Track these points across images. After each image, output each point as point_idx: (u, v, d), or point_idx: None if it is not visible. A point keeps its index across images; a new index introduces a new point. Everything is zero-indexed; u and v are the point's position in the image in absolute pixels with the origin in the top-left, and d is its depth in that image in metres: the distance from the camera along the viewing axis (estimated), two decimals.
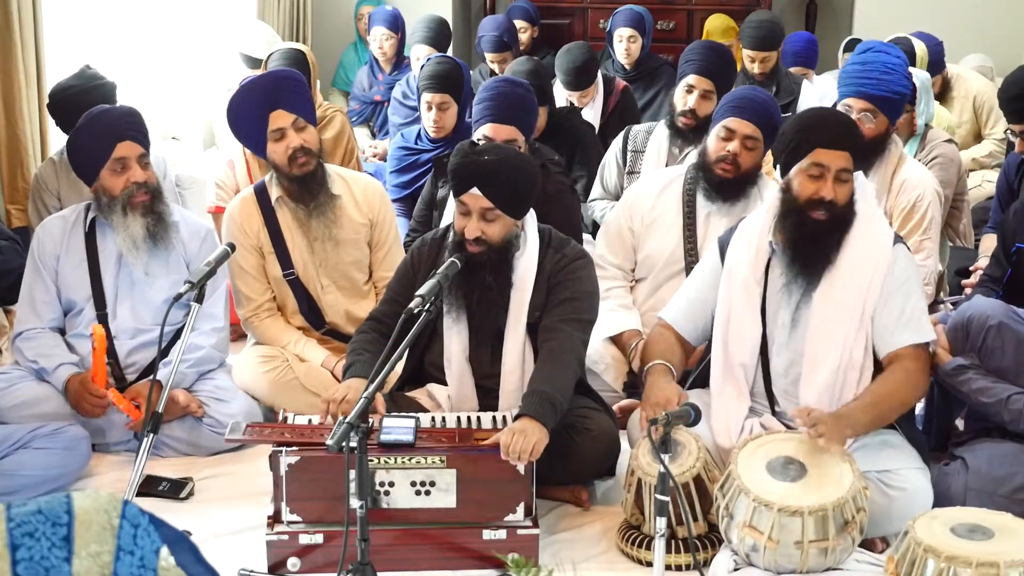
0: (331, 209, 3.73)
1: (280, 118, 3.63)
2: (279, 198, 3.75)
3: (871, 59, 3.90)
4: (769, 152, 5.20)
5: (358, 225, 3.81)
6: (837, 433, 2.78)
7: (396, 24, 6.59)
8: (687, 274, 3.72)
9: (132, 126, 3.53)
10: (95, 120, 3.53)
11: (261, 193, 3.79)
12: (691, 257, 3.77)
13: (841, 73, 4.03)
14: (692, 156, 4.28)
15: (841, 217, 3.02)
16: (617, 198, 4.37)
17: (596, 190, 4.72)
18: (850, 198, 3.04)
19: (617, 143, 4.64)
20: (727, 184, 3.70)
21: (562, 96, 5.68)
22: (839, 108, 3.92)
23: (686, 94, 4.39)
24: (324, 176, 3.73)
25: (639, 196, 3.91)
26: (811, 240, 3.03)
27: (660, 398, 2.96)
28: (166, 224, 3.55)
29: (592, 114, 5.66)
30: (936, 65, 5.86)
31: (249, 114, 3.66)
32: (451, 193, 4.08)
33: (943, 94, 6.07)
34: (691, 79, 4.39)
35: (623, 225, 3.89)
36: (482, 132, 3.91)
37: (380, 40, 6.59)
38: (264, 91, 3.66)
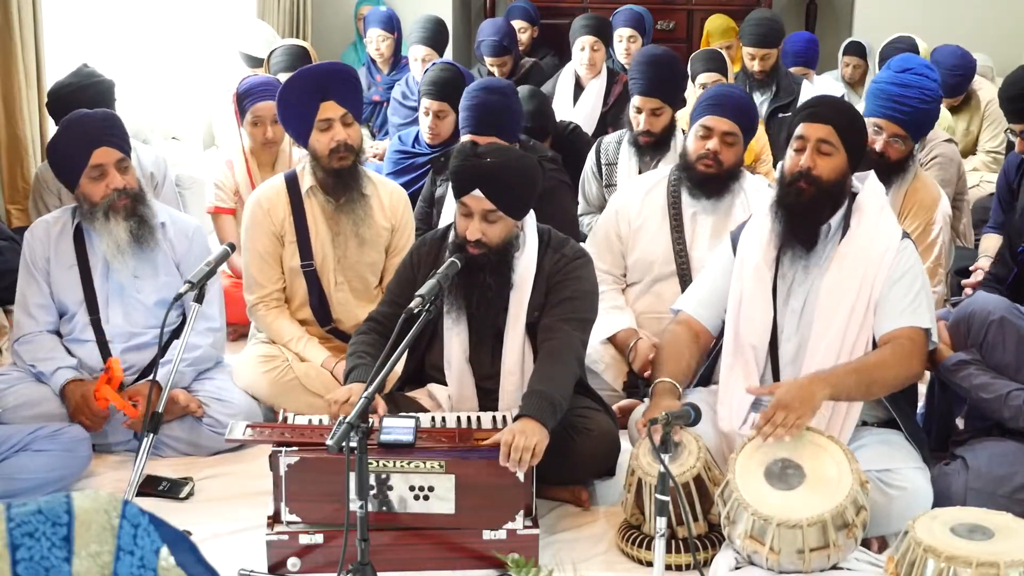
0: (361, 207, 3.73)
1: (330, 109, 3.62)
2: (311, 188, 3.75)
3: (911, 82, 3.79)
4: (768, 153, 5.24)
5: (381, 228, 3.82)
6: (802, 401, 2.78)
7: (391, 24, 6.59)
8: (679, 276, 3.77)
9: (109, 131, 3.47)
10: (71, 127, 3.48)
11: (291, 182, 3.78)
12: (681, 258, 3.78)
13: (874, 87, 3.90)
14: (669, 158, 4.29)
15: (828, 193, 3.03)
16: (600, 210, 4.37)
17: (581, 205, 4.74)
18: (839, 176, 3.04)
19: (591, 158, 4.67)
20: (710, 180, 3.72)
21: (562, 103, 5.75)
22: (867, 122, 3.87)
23: (636, 114, 4.40)
24: (359, 174, 3.74)
25: (624, 201, 3.91)
26: (795, 210, 3.05)
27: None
28: (150, 227, 3.52)
29: (593, 102, 5.73)
30: (965, 83, 5.82)
31: (300, 100, 3.64)
32: (449, 192, 4.12)
33: (963, 103, 6.03)
34: (636, 101, 4.39)
35: (611, 231, 3.90)
36: (464, 139, 4.00)
37: (376, 41, 6.60)
38: (319, 80, 3.64)
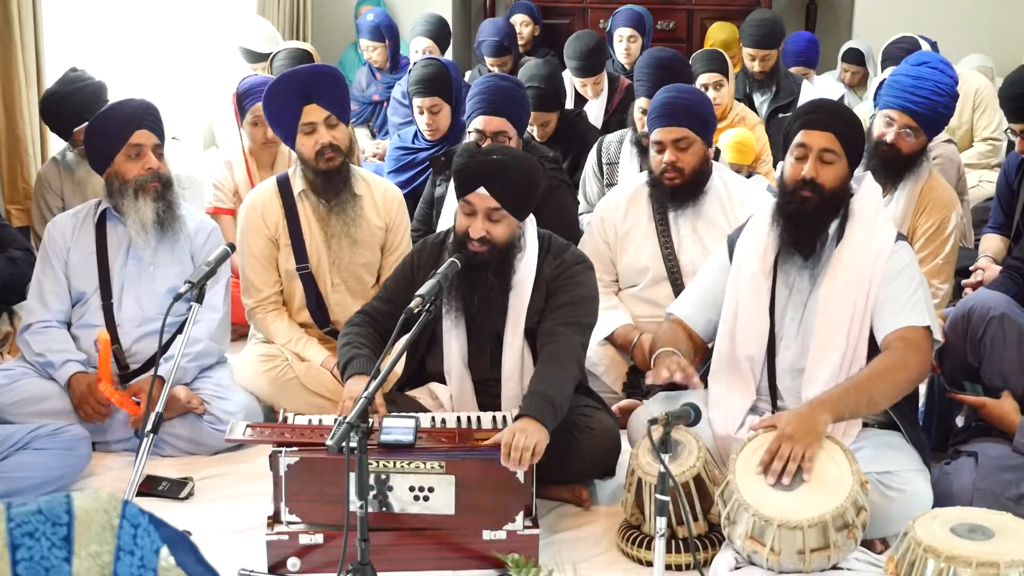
0: (352, 208, 3.74)
1: (313, 112, 3.62)
2: (302, 191, 3.75)
3: (925, 75, 3.74)
4: (769, 153, 5.22)
5: (374, 227, 3.82)
6: (806, 432, 2.74)
7: (379, 34, 6.53)
8: (671, 280, 3.77)
9: (150, 117, 3.63)
10: (115, 108, 3.63)
11: (284, 185, 3.80)
12: (671, 262, 3.79)
13: (889, 80, 3.86)
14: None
15: (830, 201, 3.02)
16: None
17: (581, 204, 4.73)
18: (841, 184, 3.03)
19: (592, 157, 4.64)
20: (679, 191, 3.73)
21: (569, 97, 5.72)
22: (879, 116, 3.82)
23: (641, 115, 4.37)
24: (349, 174, 3.74)
25: (609, 209, 3.92)
26: (798, 218, 3.03)
27: (669, 362, 2.96)
28: (175, 213, 3.63)
29: (596, 109, 5.70)
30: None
31: (284, 104, 3.65)
32: (448, 191, 4.12)
33: None
34: (642, 103, 4.38)
35: (599, 240, 3.90)
36: (474, 126, 4.00)
37: (367, 51, 6.61)
38: (301, 83, 3.65)
